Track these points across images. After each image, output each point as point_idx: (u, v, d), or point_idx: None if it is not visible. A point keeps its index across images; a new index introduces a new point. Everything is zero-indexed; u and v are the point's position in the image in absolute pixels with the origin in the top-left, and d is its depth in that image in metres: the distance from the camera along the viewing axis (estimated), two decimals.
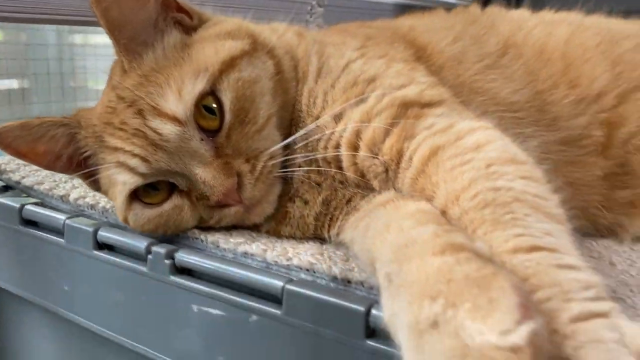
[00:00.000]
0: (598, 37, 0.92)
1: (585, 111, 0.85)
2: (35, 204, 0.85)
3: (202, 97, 0.67)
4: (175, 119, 0.66)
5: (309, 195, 0.73)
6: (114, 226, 0.75)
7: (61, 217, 0.78)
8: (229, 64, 0.68)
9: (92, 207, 0.84)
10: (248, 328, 0.59)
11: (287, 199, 0.73)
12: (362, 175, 0.69)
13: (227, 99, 0.67)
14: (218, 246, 0.69)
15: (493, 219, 0.49)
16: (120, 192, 0.70)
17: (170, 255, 0.65)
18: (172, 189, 0.70)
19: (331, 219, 0.72)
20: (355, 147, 0.68)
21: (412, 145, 0.64)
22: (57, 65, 2.52)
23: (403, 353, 0.41)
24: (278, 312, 0.56)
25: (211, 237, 0.71)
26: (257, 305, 0.58)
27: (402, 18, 1.05)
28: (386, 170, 0.66)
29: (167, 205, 0.69)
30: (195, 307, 0.63)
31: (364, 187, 0.70)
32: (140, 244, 0.68)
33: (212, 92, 0.67)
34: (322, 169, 0.71)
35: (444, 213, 0.55)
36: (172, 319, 0.67)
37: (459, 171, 0.56)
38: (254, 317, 0.59)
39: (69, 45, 2.49)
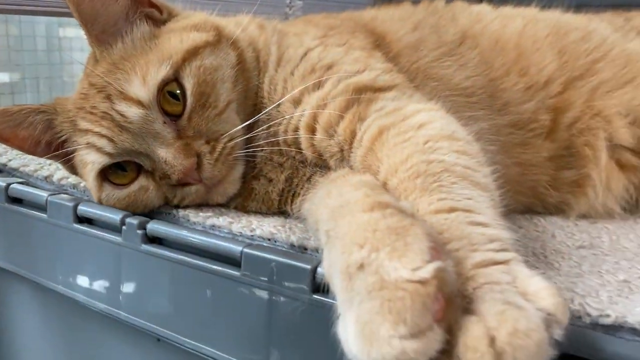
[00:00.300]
0: (547, 30, 0.98)
1: (534, 97, 0.92)
2: (20, 183, 0.90)
3: (165, 82, 0.72)
4: (139, 103, 0.71)
5: (272, 174, 0.79)
6: (91, 202, 0.81)
7: (44, 194, 0.83)
8: (192, 53, 0.74)
9: (75, 186, 0.90)
10: (212, 289, 0.66)
11: (251, 177, 0.79)
12: (320, 155, 0.75)
13: (189, 84, 0.73)
14: (188, 220, 0.75)
15: (423, 187, 0.56)
16: (90, 172, 0.75)
17: (142, 226, 0.72)
18: (139, 170, 0.75)
19: (293, 194, 0.78)
20: (312, 130, 0.74)
21: (363, 127, 0.70)
22: (47, 58, 2.56)
23: (336, 294, 0.47)
24: (237, 273, 0.63)
25: (182, 212, 0.77)
26: (219, 268, 0.64)
27: (367, 10, 1.11)
28: (341, 150, 0.73)
29: (135, 186, 0.75)
30: (165, 273, 0.70)
31: (322, 165, 0.76)
32: (115, 216, 0.74)
33: (175, 79, 0.73)
34: (283, 149, 0.77)
35: (385, 185, 0.61)
36: (146, 284, 0.73)
37: (400, 147, 0.63)
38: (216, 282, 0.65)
39: (59, 38, 2.52)
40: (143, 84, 0.72)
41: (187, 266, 0.67)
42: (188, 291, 0.68)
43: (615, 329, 0.51)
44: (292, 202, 0.79)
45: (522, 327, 0.40)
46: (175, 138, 0.72)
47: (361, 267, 0.44)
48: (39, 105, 0.80)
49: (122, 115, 0.72)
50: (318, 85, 0.75)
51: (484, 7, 1.09)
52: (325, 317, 0.50)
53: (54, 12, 1.44)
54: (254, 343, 0.63)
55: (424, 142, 0.62)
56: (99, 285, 0.78)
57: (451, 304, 0.42)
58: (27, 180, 0.95)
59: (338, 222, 0.52)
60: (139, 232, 0.71)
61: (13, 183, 0.89)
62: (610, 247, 0.76)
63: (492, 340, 0.40)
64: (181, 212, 0.76)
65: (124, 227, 0.72)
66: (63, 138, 0.80)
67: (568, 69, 0.93)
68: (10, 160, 1.02)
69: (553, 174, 0.92)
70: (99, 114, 0.73)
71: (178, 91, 0.73)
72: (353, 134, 0.71)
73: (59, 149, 0.80)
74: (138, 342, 0.80)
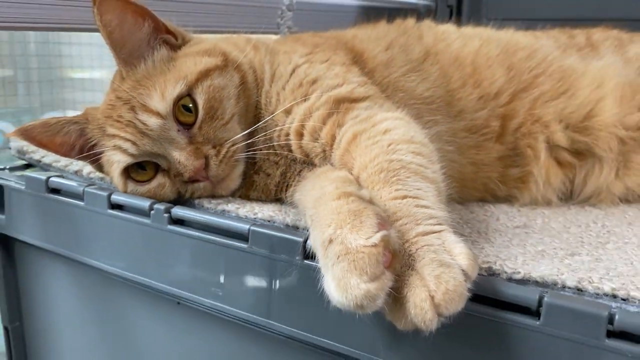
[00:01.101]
0: (499, 49, 1.16)
1: (486, 106, 1.10)
2: (58, 176, 1.07)
3: (179, 98, 0.89)
4: (158, 114, 0.88)
5: (270, 170, 0.96)
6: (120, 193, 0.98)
7: (81, 185, 1.01)
8: (204, 74, 0.91)
9: (102, 179, 1.07)
10: (225, 259, 0.84)
11: (253, 172, 0.97)
12: (307, 155, 0.93)
13: (201, 100, 0.89)
14: (203, 206, 0.94)
15: (385, 180, 0.74)
16: (115, 169, 0.92)
17: (167, 211, 0.89)
18: (157, 169, 0.92)
19: (287, 185, 0.96)
20: (301, 135, 0.92)
21: (341, 132, 0.87)
22: (42, 55, 2.67)
23: (318, 261, 0.66)
24: (245, 245, 0.81)
25: (197, 200, 0.95)
26: (231, 242, 0.83)
27: (349, 29, 1.29)
28: (324, 151, 0.90)
29: (154, 183, 0.92)
30: (186, 248, 0.88)
31: (309, 163, 0.94)
32: (144, 203, 0.91)
33: (189, 94, 0.90)
34: (278, 152, 0.95)
35: (358, 178, 0.79)
36: (170, 258, 0.91)
37: (369, 149, 0.80)
38: (233, 250, 0.83)
39: (53, 34, 2.63)
40: (162, 99, 0.89)
41: (205, 241, 0.85)
42: (205, 262, 0.86)
43: (524, 282, 0.70)
44: (286, 191, 0.96)
45: (451, 287, 0.58)
46: (187, 143, 0.89)
47: (331, 241, 0.63)
48: (73, 116, 0.98)
49: (144, 124, 0.88)
50: (304, 98, 0.93)
51: (449, 27, 1.27)
52: (314, 277, 0.68)
53: (53, 27, 1.49)
54: (259, 300, 0.81)
55: (387, 144, 0.80)
56: (131, 260, 0.96)
57: (396, 256, 0.61)
58: (60, 174, 1.12)
59: (318, 209, 0.71)
60: (165, 215, 0.89)
61: (52, 176, 1.06)
62: (541, 227, 0.96)
63: (432, 298, 0.58)
64: (196, 200, 0.95)
65: (152, 212, 0.90)
66: (93, 142, 0.96)
67: (515, 83, 1.11)
68: (43, 156, 1.19)
69: (502, 171, 1.10)
70: (125, 122, 0.90)
71: (190, 105, 0.90)
72: (333, 138, 0.88)
73: (89, 151, 0.97)
74: (161, 306, 0.98)
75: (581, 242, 0.87)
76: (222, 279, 0.84)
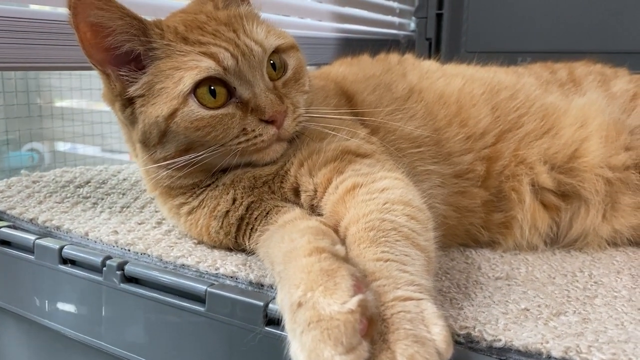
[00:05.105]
0: (483, 88, 1.12)
1: (473, 147, 1.04)
2: (8, 226, 1.00)
3: (277, 49, 0.90)
4: (262, 46, 0.86)
5: (239, 194, 0.89)
6: (75, 244, 0.91)
7: (31, 237, 0.93)
8: (293, 46, 0.95)
9: (58, 228, 1.00)
10: (182, 322, 0.77)
11: (225, 188, 0.89)
12: (297, 187, 0.88)
13: (292, 62, 0.92)
14: (161, 259, 0.87)
15: (373, 239, 0.68)
16: (189, 77, 0.80)
17: (121, 267, 0.82)
18: (228, 98, 0.84)
19: (252, 229, 0.89)
20: (302, 165, 0.88)
21: (339, 179, 0.83)
22: (23, 83, 2.63)
23: (285, 325, 0.59)
24: (202, 309, 0.74)
25: (156, 252, 0.88)
26: (187, 304, 0.76)
27: (337, 65, 1.25)
28: (315, 191, 0.86)
29: (224, 110, 0.83)
30: (140, 308, 0.80)
31: (286, 200, 0.89)
32: (97, 258, 0.84)
33: (280, 53, 0.91)
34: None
35: (345, 230, 0.74)
36: (123, 318, 0.83)
37: (365, 204, 0.75)
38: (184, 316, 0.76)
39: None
40: (265, 37, 0.88)
41: (159, 303, 0.78)
42: (160, 324, 0.79)
43: (505, 350, 0.64)
44: (250, 236, 0.89)
45: None
46: (273, 87, 0.87)
47: (300, 304, 0.56)
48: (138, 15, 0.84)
49: (247, 46, 0.84)
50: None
51: (432, 65, 1.24)
52: (277, 346, 0.61)
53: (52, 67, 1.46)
54: None
55: (383, 203, 0.75)
56: (82, 318, 0.88)
57: (373, 322, 0.55)
58: (14, 222, 1.05)
59: (286, 265, 0.64)
60: (118, 272, 0.82)
61: (2, 227, 0.98)
62: (524, 277, 0.90)
63: None
64: (155, 253, 0.88)
65: (104, 268, 0.83)
66: (151, 46, 0.84)
67: (500, 123, 1.07)
68: None
69: (484, 217, 1.04)
70: (224, 38, 0.85)
71: (278, 62, 0.90)
72: (329, 181, 0.84)
73: (137, 58, 0.85)
74: None
75: (567, 296, 0.81)
76: (178, 344, 0.77)
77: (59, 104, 3.06)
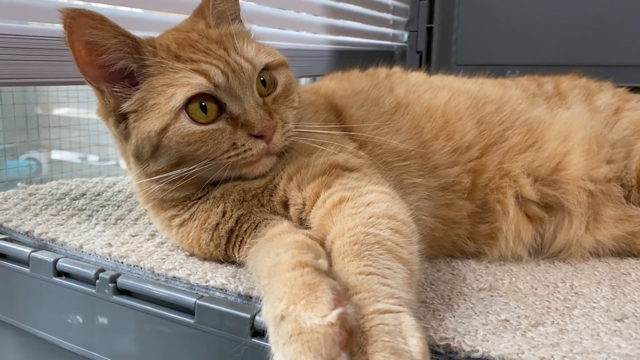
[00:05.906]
0: (469, 101, 1.14)
1: (459, 160, 1.06)
2: (4, 239, 1.02)
3: (267, 66, 0.92)
4: (251, 62, 0.88)
5: (229, 207, 0.91)
6: (69, 257, 0.93)
7: (26, 250, 0.96)
8: (284, 63, 0.98)
9: (53, 240, 1.02)
10: (172, 333, 0.79)
11: (215, 201, 0.92)
12: (286, 200, 0.90)
13: (281, 79, 0.94)
14: (153, 272, 0.89)
15: (356, 252, 0.70)
16: (181, 93, 0.83)
17: (113, 280, 0.85)
18: (219, 114, 0.86)
19: (241, 241, 0.91)
20: (291, 180, 0.91)
21: (327, 193, 0.86)
22: (21, 95, 2.65)
23: (269, 337, 0.61)
24: (192, 321, 0.76)
25: (148, 265, 0.90)
26: (177, 316, 0.78)
27: (327, 79, 1.28)
28: (303, 204, 0.88)
29: (214, 126, 0.85)
30: (132, 320, 0.83)
31: (275, 212, 0.91)
32: (90, 271, 0.87)
33: (270, 70, 0.93)
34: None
35: (332, 243, 0.76)
36: (115, 330, 0.85)
37: (351, 218, 0.78)
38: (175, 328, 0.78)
39: None
40: (256, 55, 0.90)
41: (151, 314, 0.81)
42: (152, 335, 0.81)
43: None
44: (239, 248, 0.91)
45: None
46: (263, 103, 0.90)
47: (282, 317, 0.59)
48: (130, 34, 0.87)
49: (237, 63, 0.87)
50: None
51: (419, 77, 1.26)
52: (263, 357, 0.64)
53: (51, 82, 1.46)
54: None
55: (368, 217, 0.77)
56: (76, 330, 0.90)
57: (352, 334, 0.57)
58: (10, 235, 1.07)
59: (271, 279, 0.67)
60: (111, 285, 0.84)
61: None
62: (507, 288, 0.92)
63: None
64: (147, 266, 0.90)
65: (97, 281, 0.85)
66: (144, 63, 0.86)
67: (485, 136, 1.09)
68: None
69: (470, 228, 1.06)
70: (215, 55, 0.87)
71: (268, 79, 0.93)
72: (317, 195, 0.87)
73: (131, 74, 0.87)
74: None
75: (547, 307, 0.84)
76: (168, 355, 0.79)
77: (57, 112, 3.08)
